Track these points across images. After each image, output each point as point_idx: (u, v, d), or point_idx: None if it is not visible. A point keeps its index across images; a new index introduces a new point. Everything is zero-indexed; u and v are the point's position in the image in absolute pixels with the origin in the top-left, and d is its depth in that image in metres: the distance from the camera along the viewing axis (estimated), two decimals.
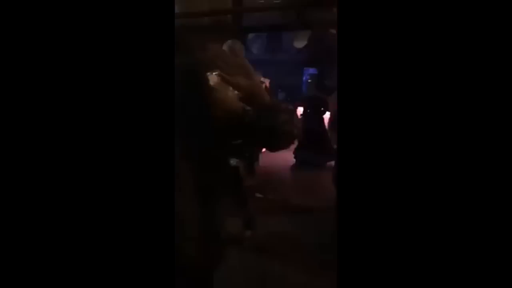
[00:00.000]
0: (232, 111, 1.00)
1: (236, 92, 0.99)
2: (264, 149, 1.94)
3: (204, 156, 1.13)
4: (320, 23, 3.10)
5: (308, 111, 4.34)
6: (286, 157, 4.32)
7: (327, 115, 4.16)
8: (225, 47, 1.74)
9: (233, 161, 2.11)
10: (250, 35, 3.77)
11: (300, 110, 4.24)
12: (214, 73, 0.97)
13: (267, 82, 1.85)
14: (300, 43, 3.56)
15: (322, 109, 4.23)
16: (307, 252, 2.23)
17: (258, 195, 2.31)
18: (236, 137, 1.43)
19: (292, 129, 1.01)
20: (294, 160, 4.44)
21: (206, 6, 3.53)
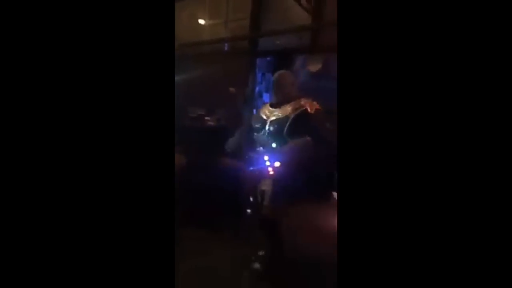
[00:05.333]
0: None
1: None
2: None
3: None
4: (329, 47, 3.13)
5: None
6: None
7: None
8: (274, 78, 1.94)
9: None
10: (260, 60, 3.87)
11: None
12: None
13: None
14: (314, 67, 3.60)
15: None
16: None
17: None
18: None
19: None
20: None
21: (223, 32, 3.68)
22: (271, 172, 1.84)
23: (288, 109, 1.83)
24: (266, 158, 1.87)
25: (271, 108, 1.93)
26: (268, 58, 3.82)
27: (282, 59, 4.01)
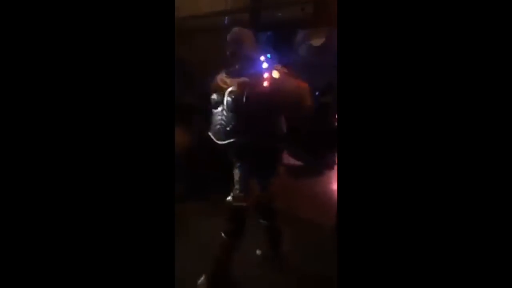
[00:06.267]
0: None
1: None
2: None
3: None
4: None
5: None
6: None
7: None
8: (229, 37, 1.62)
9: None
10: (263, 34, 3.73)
11: None
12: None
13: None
14: (317, 41, 3.51)
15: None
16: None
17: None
18: None
19: None
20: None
21: (222, 5, 3.55)
22: (266, 82, 1.46)
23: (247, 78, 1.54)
24: (261, 59, 1.54)
25: (227, 77, 1.63)
26: (269, 33, 3.71)
27: (283, 32, 3.91)
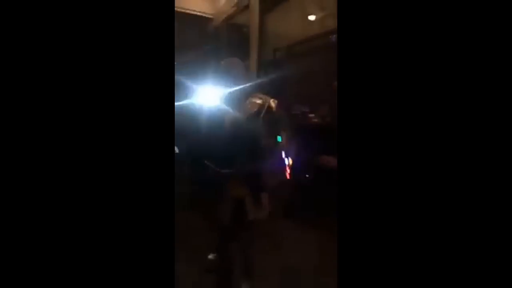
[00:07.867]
0: None
1: None
2: None
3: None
4: None
5: None
6: None
7: None
8: (222, 67, 1.59)
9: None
10: None
11: None
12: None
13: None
14: None
15: None
16: None
17: None
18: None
19: None
20: None
21: (332, 24, 3.53)
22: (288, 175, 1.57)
23: (247, 106, 1.50)
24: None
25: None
26: None
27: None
